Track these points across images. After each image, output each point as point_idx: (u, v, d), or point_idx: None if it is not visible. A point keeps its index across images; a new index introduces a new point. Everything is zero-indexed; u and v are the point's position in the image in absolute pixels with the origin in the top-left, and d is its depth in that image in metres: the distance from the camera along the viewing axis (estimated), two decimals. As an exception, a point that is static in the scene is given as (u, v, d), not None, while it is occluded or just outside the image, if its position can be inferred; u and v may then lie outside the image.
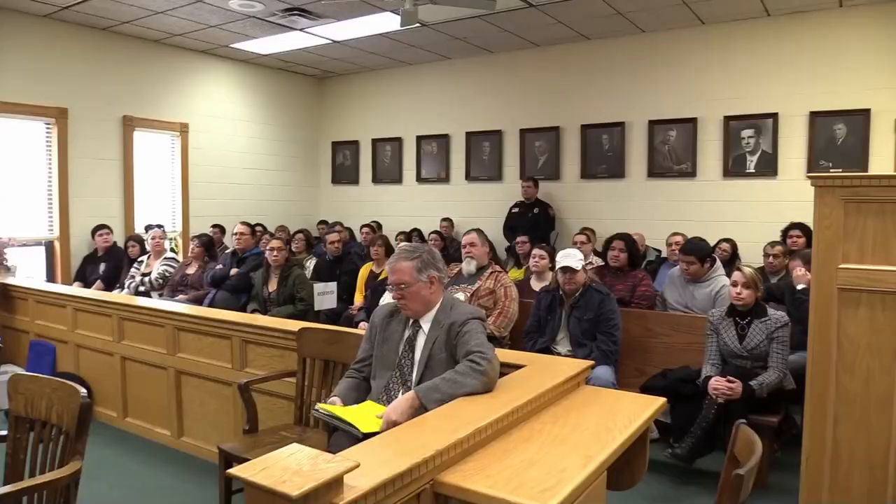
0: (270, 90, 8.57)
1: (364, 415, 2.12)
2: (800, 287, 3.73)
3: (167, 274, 5.59)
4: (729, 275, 4.19)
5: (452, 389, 2.04)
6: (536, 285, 4.53)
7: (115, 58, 6.81)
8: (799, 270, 3.79)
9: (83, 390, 1.98)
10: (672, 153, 6.72)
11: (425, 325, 2.33)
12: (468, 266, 4.12)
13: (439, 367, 2.22)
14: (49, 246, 6.53)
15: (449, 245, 7.01)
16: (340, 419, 2.08)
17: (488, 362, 2.10)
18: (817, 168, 5.94)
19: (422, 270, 2.29)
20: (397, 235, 7.28)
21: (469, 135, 7.96)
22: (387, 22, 6.32)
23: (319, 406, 2.22)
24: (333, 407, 2.19)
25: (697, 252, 4.17)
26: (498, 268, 4.21)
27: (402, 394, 2.22)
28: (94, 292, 4.91)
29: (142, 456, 3.66)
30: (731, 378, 3.21)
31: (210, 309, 4.35)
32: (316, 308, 4.76)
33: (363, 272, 5.55)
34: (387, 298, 3.74)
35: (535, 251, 4.65)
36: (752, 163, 6.31)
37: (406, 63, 8.25)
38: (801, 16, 5.97)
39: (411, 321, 2.36)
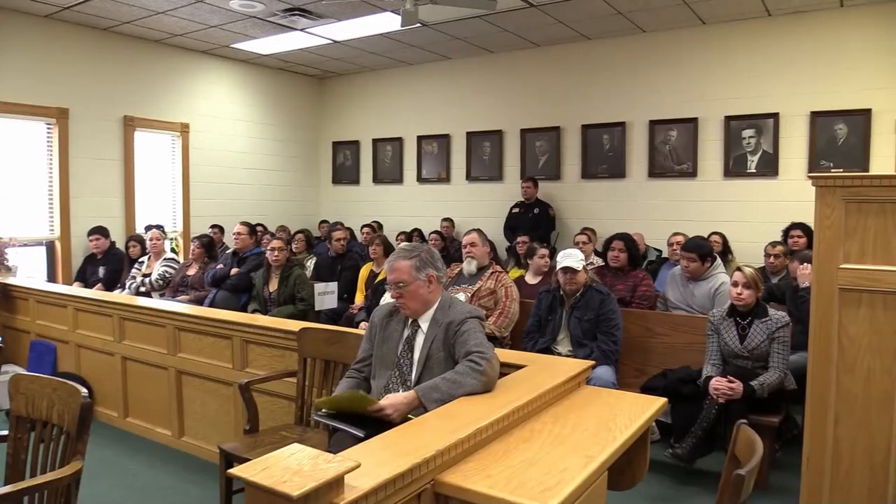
0: (271, 90, 8.57)
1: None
2: (804, 286, 3.73)
3: (167, 275, 5.59)
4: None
5: (452, 389, 2.04)
6: (531, 279, 4.64)
7: (115, 58, 6.82)
8: (805, 269, 3.78)
9: (84, 390, 1.98)
10: (673, 153, 6.71)
11: (424, 324, 2.33)
12: (469, 266, 4.13)
13: (438, 366, 2.22)
14: (50, 246, 6.54)
15: (449, 245, 7.01)
16: (338, 415, 2.08)
17: (487, 362, 2.10)
18: (818, 168, 5.94)
19: (420, 269, 2.29)
20: (398, 235, 7.28)
21: (469, 135, 7.96)
22: (387, 22, 6.32)
23: (316, 408, 2.22)
24: (330, 398, 2.18)
25: (698, 250, 4.19)
26: (499, 268, 4.21)
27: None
28: (94, 292, 4.91)
29: (142, 456, 3.66)
30: (732, 378, 3.21)
31: (210, 309, 4.35)
32: (316, 308, 4.76)
33: (364, 272, 5.55)
34: (387, 298, 3.74)
35: (543, 251, 4.71)
36: (752, 163, 6.30)
37: (406, 63, 8.25)
38: (802, 16, 5.97)
39: (410, 321, 2.36)
